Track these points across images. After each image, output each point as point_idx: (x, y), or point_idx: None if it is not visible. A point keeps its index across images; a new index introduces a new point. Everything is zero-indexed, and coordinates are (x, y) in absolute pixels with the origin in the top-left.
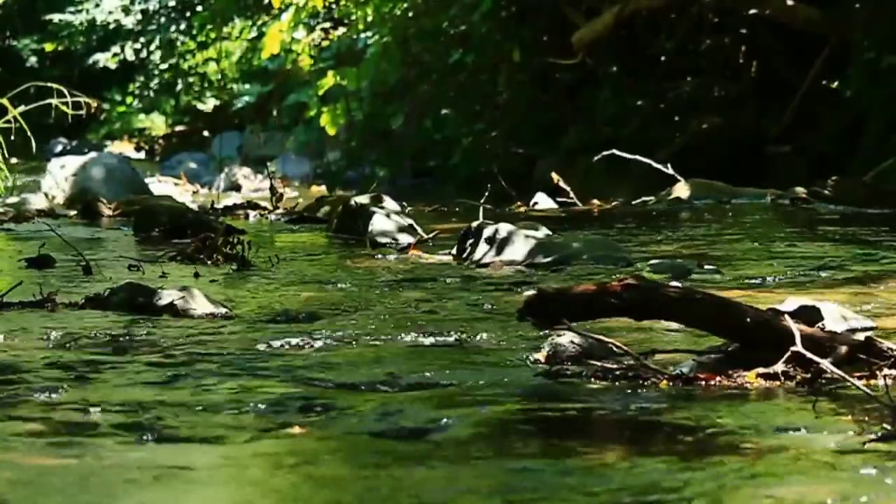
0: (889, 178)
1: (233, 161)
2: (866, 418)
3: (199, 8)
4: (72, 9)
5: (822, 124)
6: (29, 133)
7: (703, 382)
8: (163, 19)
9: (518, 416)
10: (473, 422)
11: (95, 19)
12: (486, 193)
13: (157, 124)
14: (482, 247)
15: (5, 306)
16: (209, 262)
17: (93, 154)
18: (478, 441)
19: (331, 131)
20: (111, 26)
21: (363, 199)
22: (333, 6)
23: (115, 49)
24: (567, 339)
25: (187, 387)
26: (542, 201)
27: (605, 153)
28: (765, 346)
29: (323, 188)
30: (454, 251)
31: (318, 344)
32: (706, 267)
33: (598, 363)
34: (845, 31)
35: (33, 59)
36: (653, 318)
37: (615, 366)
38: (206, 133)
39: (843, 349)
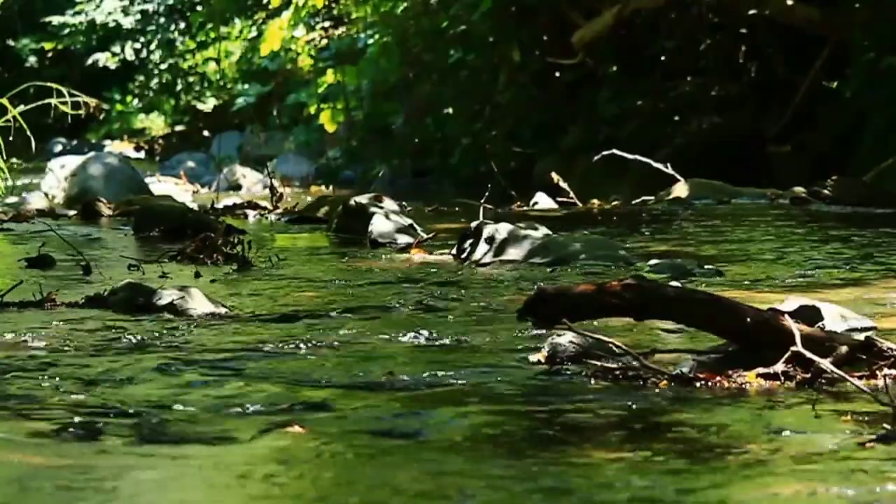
0: (889, 178)
1: (233, 161)
2: (866, 418)
3: (199, 8)
4: (71, 11)
5: (822, 124)
6: (29, 133)
7: (703, 382)
8: (162, 19)
9: (517, 416)
10: (473, 422)
11: (95, 20)
12: (486, 193)
13: (156, 124)
14: (482, 247)
15: (5, 306)
16: (209, 262)
17: (92, 154)
18: (477, 441)
19: (330, 128)
20: (111, 25)
21: (363, 199)
22: (333, 4)
23: (115, 49)
24: (567, 338)
25: (187, 387)
26: (542, 201)
27: (605, 153)
28: (765, 346)
29: (323, 188)
30: (454, 251)
31: (318, 344)
32: (706, 267)
33: (598, 363)
34: (845, 31)
35: (33, 59)
36: (653, 317)
37: (615, 366)
38: (206, 133)
39: (843, 349)
